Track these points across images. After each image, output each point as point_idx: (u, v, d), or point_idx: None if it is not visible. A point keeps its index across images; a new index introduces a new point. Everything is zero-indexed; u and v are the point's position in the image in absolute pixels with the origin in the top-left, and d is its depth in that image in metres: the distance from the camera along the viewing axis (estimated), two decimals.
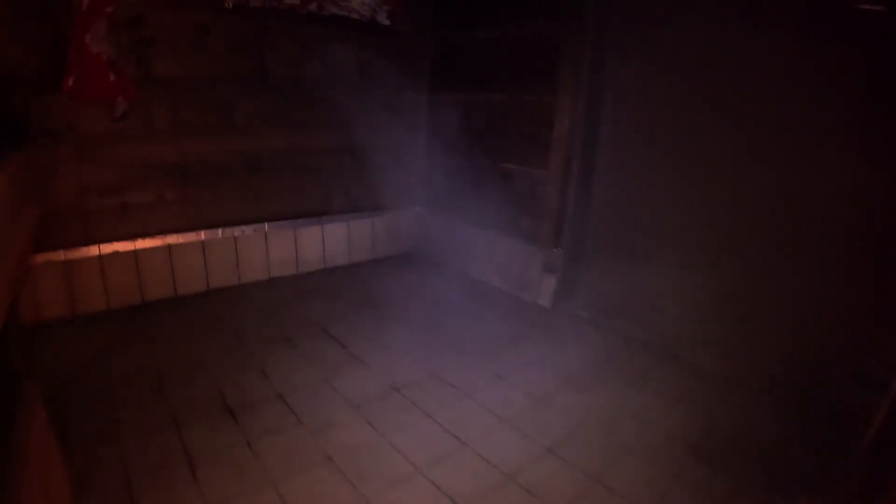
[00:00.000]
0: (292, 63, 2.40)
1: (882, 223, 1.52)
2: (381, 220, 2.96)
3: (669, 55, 1.94)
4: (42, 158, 1.84)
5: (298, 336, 1.99)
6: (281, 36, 2.33)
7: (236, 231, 2.41)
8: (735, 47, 1.77)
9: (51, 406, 1.34)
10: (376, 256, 2.98)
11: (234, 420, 1.46)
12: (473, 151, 2.69)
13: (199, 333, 1.96)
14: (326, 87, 2.51)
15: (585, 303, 2.37)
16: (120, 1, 1.85)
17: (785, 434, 1.54)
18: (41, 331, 1.88)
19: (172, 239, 2.23)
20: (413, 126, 2.97)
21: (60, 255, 1.98)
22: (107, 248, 2.08)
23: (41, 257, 1.93)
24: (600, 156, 2.27)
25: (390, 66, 2.68)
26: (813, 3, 1.56)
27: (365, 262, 2.90)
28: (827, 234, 1.63)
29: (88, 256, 2.04)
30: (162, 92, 2.09)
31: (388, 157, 2.85)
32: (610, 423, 1.57)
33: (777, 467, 1.40)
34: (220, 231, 2.36)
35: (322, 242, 2.72)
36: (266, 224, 2.50)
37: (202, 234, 2.31)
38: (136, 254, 2.15)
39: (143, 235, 2.16)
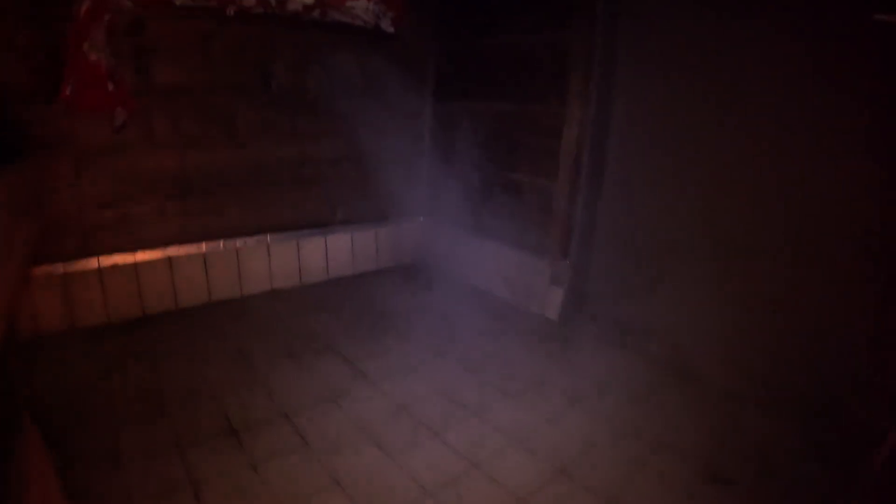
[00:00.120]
0: (294, 71, 2.36)
1: None
2: (385, 230, 2.91)
3: (683, 62, 1.90)
4: (39, 171, 1.81)
5: (303, 351, 1.95)
6: (283, 43, 2.30)
7: (238, 242, 2.37)
8: (754, 54, 1.71)
9: (49, 428, 1.30)
10: (380, 267, 2.93)
11: (238, 443, 1.42)
12: (479, 161, 2.65)
13: (202, 349, 1.92)
14: (329, 95, 2.47)
15: (594, 316, 2.33)
16: (119, 8, 1.81)
17: (799, 451, 1.51)
18: (40, 345, 1.83)
19: (173, 251, 2.19)
20: (417, 135, 2.94)
21: (59, 268, 1.94)
22: (106, 261, 2.04)
23: (40, 270, 1.89)
24: (609, 165, 2.23)
25: (394, 74, 2.64)
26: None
27: (369, 273, 2.86)
28: (847, 248, 1.59)
29: (88, 269, 2.00)
30: (162, 101, 2.05)
31: (392, 166, 2.81)
32: (622, 441, 1.53)
33: (791, 485, 1.38)
34: (221, 242, 2.32)
35: (325, 253, 2.68)
36: (268, 235, 2.46)
37: (203, 246, 2.27)
38: (136, 266, 2.10)
39: (144, 247, 2.12)
